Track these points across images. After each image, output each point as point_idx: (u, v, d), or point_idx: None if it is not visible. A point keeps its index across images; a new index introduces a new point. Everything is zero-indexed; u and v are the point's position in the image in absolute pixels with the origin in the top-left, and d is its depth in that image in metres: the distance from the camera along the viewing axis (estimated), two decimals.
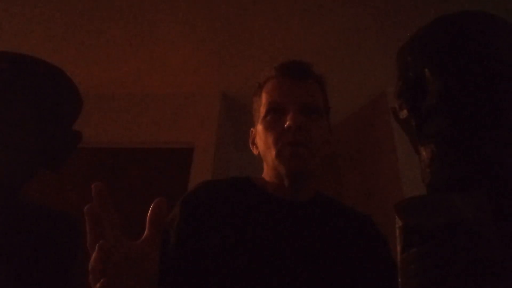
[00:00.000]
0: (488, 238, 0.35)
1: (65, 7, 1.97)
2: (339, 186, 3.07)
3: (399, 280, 0.37)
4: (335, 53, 2.20)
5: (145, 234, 0.51)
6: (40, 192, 2.14)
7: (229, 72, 2.42)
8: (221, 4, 1.92)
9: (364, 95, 2.59)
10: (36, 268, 0.62)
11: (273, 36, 2.11)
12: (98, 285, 0.43)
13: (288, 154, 0.72)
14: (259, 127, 0.79)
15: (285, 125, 0.71)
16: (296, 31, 2.07)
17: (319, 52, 2.18)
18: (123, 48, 2.27)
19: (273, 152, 0.74)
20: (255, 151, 0.85)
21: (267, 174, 0.81)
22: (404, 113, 0.49)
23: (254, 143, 0.85)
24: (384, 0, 1.86)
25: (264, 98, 0.80)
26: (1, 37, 2.15)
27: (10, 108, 0.63)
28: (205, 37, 2.16)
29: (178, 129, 2.51)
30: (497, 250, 0.34)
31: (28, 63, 0.68)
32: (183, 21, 2.04)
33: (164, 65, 2.40)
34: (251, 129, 0.87)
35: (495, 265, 0.34)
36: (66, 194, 2.28)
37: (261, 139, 0.78)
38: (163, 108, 2.59)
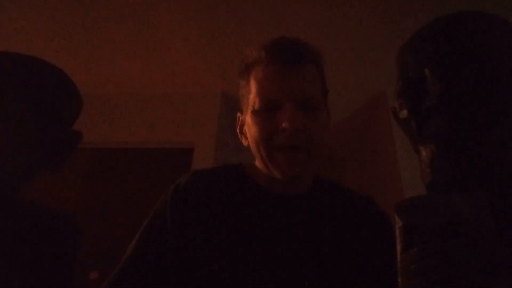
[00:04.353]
0: (488, 238, 0.35)
1: (66, 7, 1.97)
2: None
3: (399, 280, 0.37)
4: (335, 53, 2.20)
5: None
6: (40, 192, 2.14)
7: (229, 72, 2.42)
8: (221, 4, 1.92)
9: (364, 95, 2.58)
10: (36, 268, 0.62)
11: (273, 36, 2.11)
12: None
13: (282, 160, 0.65)
14: (249, 120, 0.70)
15: (281, 126, 0.63)
16: (295, 31, 2.07)
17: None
18: (123, 48, 2.27)
19: (265, 154, 0.67)
20: (244, 142, 0.76)
21: (259, 165, 0.74)
22: (404, 113, 0.49)
23: (242, 132, 0.77)
24: (384, 0, 1.86)
25: (253, 87, 0.69)
26: (1, 37, 2.15)
27: (10, 108, 0.63)
28: (206, 38, 2.16)
29: (178, 129, 2.51)
30: (497, 250, 0.34)
31: (28, 63, 0.68)
32: (183, 21, 2.04)
33: (164, 65, 2.40)
34: (238, 114, 0.78)
35: (495, 265, 0.34)
36: (66, 194, 2.28)
37: (250, 134, 0.70)
38: (163, 108, 2.60)
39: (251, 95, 0.69)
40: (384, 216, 0.74)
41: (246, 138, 0.75)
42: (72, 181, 2.32)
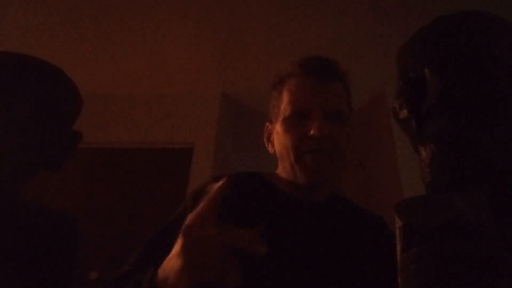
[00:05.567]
0: (488, 238, 0.35)
1: (66, 7, 1.97)
2: (339, 186, 3.07)
3: (399, 280, 0.37)
4: (334, 53, 2.20)
5: None
6: (40, 192, 2.14)
7: (229, 72, 2.42)
8: (221, 4, 1.92)
9: (364, 95, 2.59)
10: (36, 268, 0.62)
11: (272, 37, 2.11)
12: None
13: (309, 161, 0.70)
14: (279, 128, 0.76)
15: (309, 133, 0.69)
16: (295, 32, 2.07)
17: (319, 52, 2.18)
18: (123, 48, 2.27)
19: (293, 158, 0.71)
20: (270, 149, 0.82)
21: (283, 172, 0.78)
22: (404, 113, 0.49)
23: (270, 140, 0.82)
24: (384, 0, 1.86)
25: (285, 97, 0.76)
26: (1, 37, 2.15)
27: (10, 108, 0.63)
28: (206, 37, 2.16)
29: (178, 129, 2.51)
30: (498, 250, 0.34)
31: (28, 63, 0.68)
32: (183, 21, 2.04)
33: (164, 65, 2.41)
34: (266, 124, 0.84)
35: (496, 265, 0.34)
36: (66, 194, 2.28)
37: (279, 142, 0.75)
38: (163, 108, 2.60)
39: (283, 104, 0.75)
40: (393, 236, 0.77)
41: (273, 145, 0.81)
42: (72, 181, 2.32)
